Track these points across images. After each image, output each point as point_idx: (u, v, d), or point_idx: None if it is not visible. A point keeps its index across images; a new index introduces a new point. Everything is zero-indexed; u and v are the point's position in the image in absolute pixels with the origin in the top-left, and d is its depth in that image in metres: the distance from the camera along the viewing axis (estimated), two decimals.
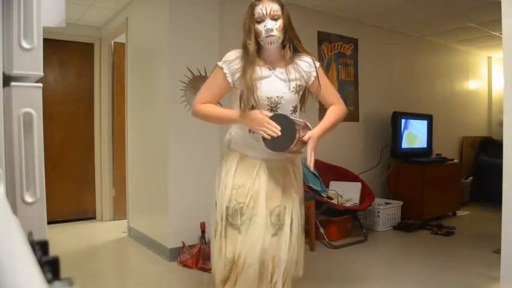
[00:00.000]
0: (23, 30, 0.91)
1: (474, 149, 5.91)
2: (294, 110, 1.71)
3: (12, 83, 0.91)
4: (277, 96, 1.64)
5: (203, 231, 3.14)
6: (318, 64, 1.73)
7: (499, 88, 6.10)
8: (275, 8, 1.60)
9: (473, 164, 5.83)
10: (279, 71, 1.67)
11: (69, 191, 4.42)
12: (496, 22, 3.35)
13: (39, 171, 0.92)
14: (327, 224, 3.57)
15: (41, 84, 0.95)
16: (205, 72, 3.24)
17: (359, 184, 3.87)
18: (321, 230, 3.47)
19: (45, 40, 0.96)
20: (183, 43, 3.15)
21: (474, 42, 5.48)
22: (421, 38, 5.26)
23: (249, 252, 1.59)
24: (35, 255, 0.48)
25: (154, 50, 3.39)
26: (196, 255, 2.92)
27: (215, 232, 1.70)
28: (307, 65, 1.71)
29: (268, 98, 1.63)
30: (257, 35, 1.61)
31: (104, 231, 4.19)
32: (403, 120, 4.55)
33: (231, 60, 1.65)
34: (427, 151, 4.94)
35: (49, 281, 0.44)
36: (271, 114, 1.61)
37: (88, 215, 4.56)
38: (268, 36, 1.59)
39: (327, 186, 3.92)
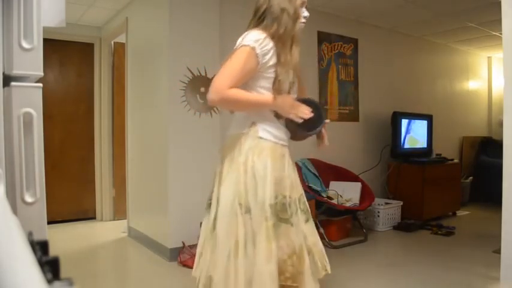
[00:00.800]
0: (23, 30, 0.91)
1: (474, 149, 5.91)
2: None
3: (12, 83, 0.91)
4: (293, 77, 1.65)
5: None
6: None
7: (499, 88, 6.10)
8: None
9: (473, 164, 5.83)
10: None
11: (69, 191, 4.42)
12: (496, 22, 3.36)
13: (39, 171, 0.92)
14: (327, 224, 3.57)
15: (41, 84, 0.95)
16: (205, 72, 3.24)
17: (359, 184, 3.86)
18: (321, 230, 3.47)
19: (45, 40, 0.96)
20: (183, 43, 3.15)
21: (474, 42, 5.49)
22: (421, 38, 5.26)
23: (302, 241, 1.59)
24: (35, 255, 0.48)
25: (154, 50, 3.39)
26: None
27: (256, 236, 1.50)
28: None
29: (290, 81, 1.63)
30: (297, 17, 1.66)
31: (104, 231, 4.19)
32: (403, 121, 4.55)
33: (262, 40, 1.54)
34: (427, 151, 4.94)
35: (49, 281, 0.44)
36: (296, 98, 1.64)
37: (88, 215, 4.56)
38: (303, 22, 1.66)
39: (327, 186, 3.92)
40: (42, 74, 0.95)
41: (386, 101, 4.77)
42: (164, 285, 2.71)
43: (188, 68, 3.16)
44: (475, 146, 5.93)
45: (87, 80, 4.56)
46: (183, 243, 3.04)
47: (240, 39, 1.58)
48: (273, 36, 1.57)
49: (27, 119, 0.91)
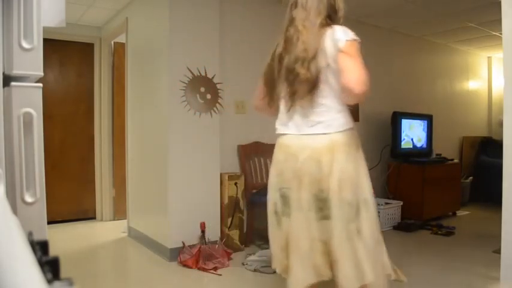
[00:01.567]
0: (23, 30, 0.91)
1: (474, 149, 5.91)
2: None
3: (12, 83, 0.91)
4: None
5: (203, 231, 3.14)
6: None
7: (499, 88, 6.10)
8: None
9: (473, 164, 5.82)
10: None
11: (69, 191, 4.42)
12: (496, 22, 3.35)
13: (39, 171, 0.92)
14: None
15: (41, 84, 0.95)
16: (205, 72, 3.24)
17: None
18: None
19: (45, 40, 0.96)
20: (183, 43, 3.15)
21: (474, 42, 5.48)
22: (421, 38, 5.26)
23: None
24: (35, 255, 0.48)
25: (154, 50, 3.39)
26: (196, 255, 2.92)
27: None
28: None
29: None
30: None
31: (104, 231, 4.19)
32: (403, 121, 4.55)
33: None
34: (427, 151, 4.94)
35: (49, 281, 0.44)
36: None
37: (88, 215, 4.56)
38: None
39: None
40: (42, 74, 0.95)
41: (387, 101, 4.76)
42: (164, 285, 2.71)
43: (188, 68, 3.16)
44: (475, 146, 5.93)
45: (87, 80, 4.56)
46: (183, 243, 3.04)
47: (342, 34, 1.60)
48: None
49: (27, 119, 0.91)
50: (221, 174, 3.34)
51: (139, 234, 3.65)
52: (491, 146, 5.71)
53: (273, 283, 2.63)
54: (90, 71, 4.56)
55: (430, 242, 3.65)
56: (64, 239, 3.76)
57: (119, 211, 4.51)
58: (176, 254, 3.05)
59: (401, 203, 4.26)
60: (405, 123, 4.59)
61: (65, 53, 4.43)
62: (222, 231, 3.32)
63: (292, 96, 1.64)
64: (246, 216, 3.50)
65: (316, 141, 1.60)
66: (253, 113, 2.83)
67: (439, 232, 3.90)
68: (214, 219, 3.29)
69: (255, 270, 2.84)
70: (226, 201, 3.31)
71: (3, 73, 0.91)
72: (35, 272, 0.42)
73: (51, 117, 4.23)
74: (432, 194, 4.35)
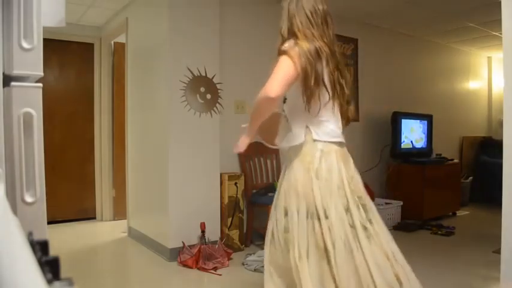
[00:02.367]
0: (23, 30, 0.91)
1: (474, 149, 5.91)
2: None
3: (12, 83, 0.91)
4: None
5: (203, 231, 3.14)
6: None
7: (499, 88, 6.10)
8: None
9: (473, 164, 5.82)
10: None
11: (69, 191, 4.42)
12: (496, 22, 3.35)
13: (39, 171, 0.92)
14: None
15: (41, 84, 0.95)
16: (205, 73, 3.24)
17: None
18: None
19: (45, 40, 0.96)
20: (183, 43, 3.15)
21: (474, 42, 5.48)
22: (421, 38, 5.26)
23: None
24: (35, 255, 0.48)
25: (154, 50, 3.39)
26: (196, 255, 2.92)
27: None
28: None
29: None
30: None
31: (104, 231, 4.19)
32: (403, 121, 4.55)
33: None
34: (427, 151, 4.93)
35: (49, 281, 0.44)
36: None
37: (88, 215, 4.56)
38: None
39: None
40: (42, 74, 0.95)
41: (386, 101, 4.76)
42: (164, 285, 2.71)
43: (188, 68, 3.16)
44: (475, 146, 5.92)
45: (87, 80, 4.56)
46: (183, 243, 3.04)
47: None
48: None
49: (27, 119, 0.91)
50: (221, 174, 3.34)
51: (139, 234, 3.65)
52: (491, 146, 5.71)
53: None
54: (90, 71, 4.56)
55: (430, 242, 3.65)
56: (64, 239, 3.76)
57: (119, 211, 4.51)
58: (176, 254, 3.05)
59: (401, 203, 4.26)
60: (405, 123, 4.59)
61: (65, 53, 4.43)
62: (222, 231, 3.32)
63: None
64: (246, 216, 3.50)
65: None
66: None
67: (439, 232, 3.90)
68: (214, 219, 3.29)
69: (255, 270, 2.84)
70: (226, 201, 3.31)
71: (3, 73, 0.91)
72: (35, 272, 0.42)
73: (51, 117, 4.23)
74: (432, 194, 4.35)
